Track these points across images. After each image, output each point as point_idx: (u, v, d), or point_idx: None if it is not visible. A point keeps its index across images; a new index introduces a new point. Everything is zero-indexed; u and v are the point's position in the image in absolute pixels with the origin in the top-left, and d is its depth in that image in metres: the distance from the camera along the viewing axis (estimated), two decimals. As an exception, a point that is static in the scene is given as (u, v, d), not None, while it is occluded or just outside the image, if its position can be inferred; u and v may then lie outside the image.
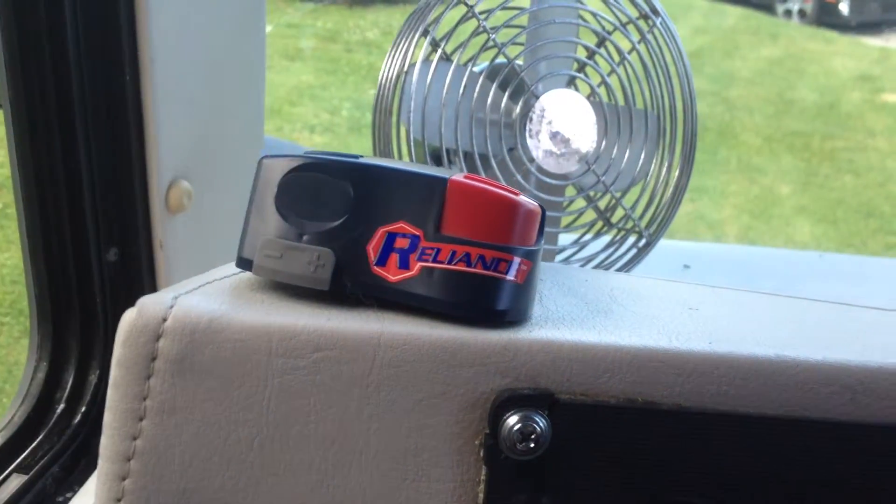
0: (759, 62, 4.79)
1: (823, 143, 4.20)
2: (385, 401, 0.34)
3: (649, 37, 0.69)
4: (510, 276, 0.35)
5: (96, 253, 0.66)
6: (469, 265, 0.34)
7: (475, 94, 0.65)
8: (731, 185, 3.84)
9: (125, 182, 0.65)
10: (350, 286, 0.35)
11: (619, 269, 0.73)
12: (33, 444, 0.67)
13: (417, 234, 0.34)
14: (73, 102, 0.61)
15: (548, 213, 0.69)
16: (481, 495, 0.35)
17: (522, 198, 0.35)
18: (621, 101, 0.70)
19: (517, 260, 0.35)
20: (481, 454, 0.35)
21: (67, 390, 0.69)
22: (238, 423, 0.34)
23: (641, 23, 0.70)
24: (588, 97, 0.69)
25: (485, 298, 0.35)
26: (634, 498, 0.35)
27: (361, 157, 0.37)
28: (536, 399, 0.34)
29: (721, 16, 5.31)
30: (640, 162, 0.71)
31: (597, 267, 0.73)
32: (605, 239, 0.74)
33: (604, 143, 0.69)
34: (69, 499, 0.66)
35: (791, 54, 4.90)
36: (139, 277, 0.67)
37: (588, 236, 0.74)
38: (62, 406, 0.70)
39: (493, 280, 0.34)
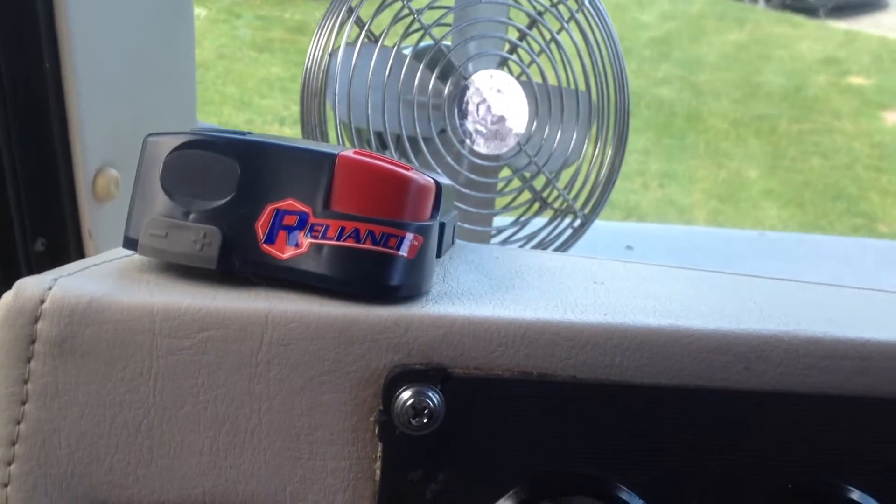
0: (726, 47, 4.81)
1: (790, 127, 4.23)
2: (275, 380, 0.34)
3: (578, 16, 0.69)
4: (401, 252, 0.34)
5: (23, 243, 0.65)
6: (358, 241, 0.34)
7: (402, 76, 0.64)
8: (699, 170, 3.86)
9: (50, 171, 0.64)
10: (238, 265, 0.34)
11: (557, 249, 0.73)
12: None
13: (306, 210, 0.34)
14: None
15: (481, 195, 0.69)
16: (378, 472, 0.35)
17: (414, 172, 0.35)
18: (553, 82, 0.70)
19: (409, 235, 0.34)
20: (376, 431, 0.35)
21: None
22: (124, 405, 0.33)
23: (570, 3, 0.69)
24: (518, 77, 0.69)
25: (375, 274, 0.34)
26: (532, 470, 0.35)
27: (251, 133, 0.36)
28: (429, 374, 0.34)
29: (687, 1, 5.32)
30: (573, 142, 0.71)
31: (535, 247, 0.73)
32: (543, 219, 0.74)
33: (535, 123, 0.69)
34: None
35: (757, 39, 4.92)
36: (68, 267, 0.67)
37: (526, 217, 0.74)
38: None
39: (383, 256, 0.34)
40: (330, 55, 0.63)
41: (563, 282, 0.41)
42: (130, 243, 0.35)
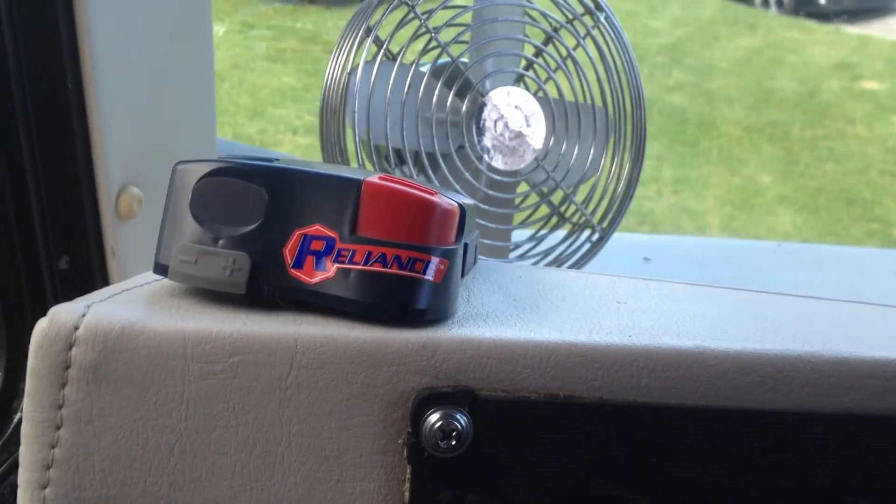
0: (738, 52, 4.80)
1: (803, 132, 4.22)
2: (305, 403, 0.34)
3: (594, 32, 0.70)
4: (427, 276, 0.35)
5: (47, 261, 0.66)
6: (385, 265, 0.34)
7: (420, 93, 0.65)
8: (712, 176, 3.85)
9: (74, 190, 0.65)
10: (267, 290, 0.35)
11: (575, 264, 0.73)
12: (-10, 455, 0.67)
13: (333, 236, 0.35)
14: (15, 112, 0.60)
15: (499, 211, 0.69)
16: (407, 494, 0.35)
17: (439, 197, 0.35)
18: (569, 98, 0.71)
19: (434, 259, 0.35)
20: (405, 453, 0.35)
21: (24, 399, 0.69)
22: (157, 430, 0.34)
23: (586, 19, 0.70)
24: (536, 94, 0.70)
25: (402, 298, 0.35)
26: (559, 492, 0.36)
27: (278, 160, 0.37)
28: (457, 396, 0.34)
29: (699, 7, 5.32)
30: (591, 157, 0.71)
31: (553, 261, 0.73)
32: (561, 233, 0.75)
33: (553, 139, 0.70)
34: (27, 508, 0.66)
35: (769, 44, 4.91)
36: (92, 285, 0.67)
37: (544, 231, 0.74)
38: (19, 415, 0.69)
39: (409, 280, 0.35)
40: (349, 73, 0.64)
41: (586, 302, 0.41)
42: (161, 269, 0.36)
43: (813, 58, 4.85)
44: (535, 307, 0.40)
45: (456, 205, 0.36)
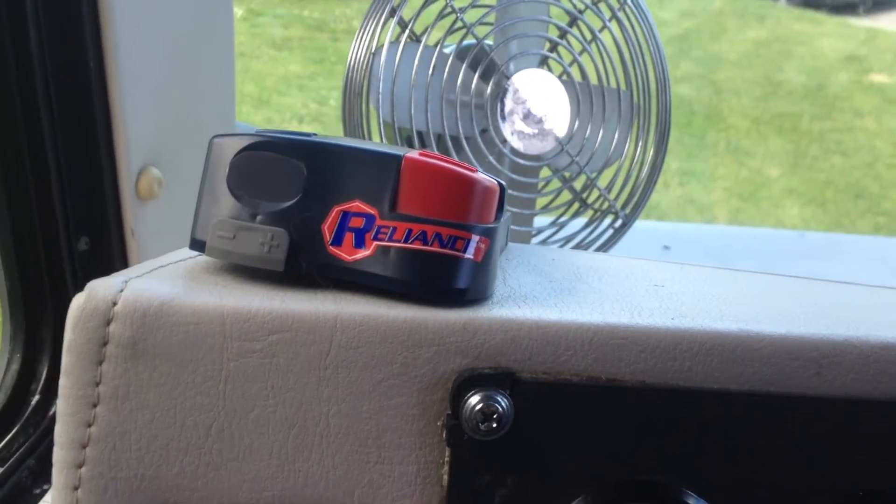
0: (746, 44, 4.78)
1: (811, 125, 4.20)
2: (344, 383, 0.34)
3: (620, 15, 0.69)
4: (468, 255, 0.34)
5: (67, 242, 0.65)
6: (425, 243, 0.34)
7: (445, 75, 0.64)
8: (719, 167, 3.84)
9: (94, 171, 0.64)
10: (305, 266, 0.34)
11: (597, 250, 0.73)
12: (8, 437, 0.67)
13: (373, 212, 0.34)
14: (37, 92, 0.60)
15: (522, 196, 0.68)
16: (445, 477, 0.35)
17: (479, 174, 0.35)
18: (594, 81, 0.70)
19: (475, 238, 0.34)
20: (444, 435, 0.34)
21: (42, 381, 0.69)
22: (194, 408, 0.33)
23: (613, 1, 0.69)
24: (560, 77, 0.69)
25: (442, 277, 0.34)
26: (600, 476, 0.35)
27: (315, 134, 0.36)
28: (498, 378, 0.34)
29: (708, -2, 5.30)
30: (615, 142, 0.71)
31: (575, 248, 0.73)
32: (583, 220, 0.74)
33: (577, 123, 0.69)
34: (46, 491, 0.65)
35: (778, 36, 4.89)
36: (111, 266, 0.67)
37: (565, 217, 0.73)
38: (37, 398, 0.69)
39: (450, 258, 0.34)
40: (373, 55, 0.63)
41: (623, 284, 0.40)
42: (197, 245, 0.35)
43: (821, 50, 4.83)
44: (573, 289, 0.39)
45: (496, 182, 0.36)
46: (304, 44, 4.39)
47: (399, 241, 0.34)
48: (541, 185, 0.73)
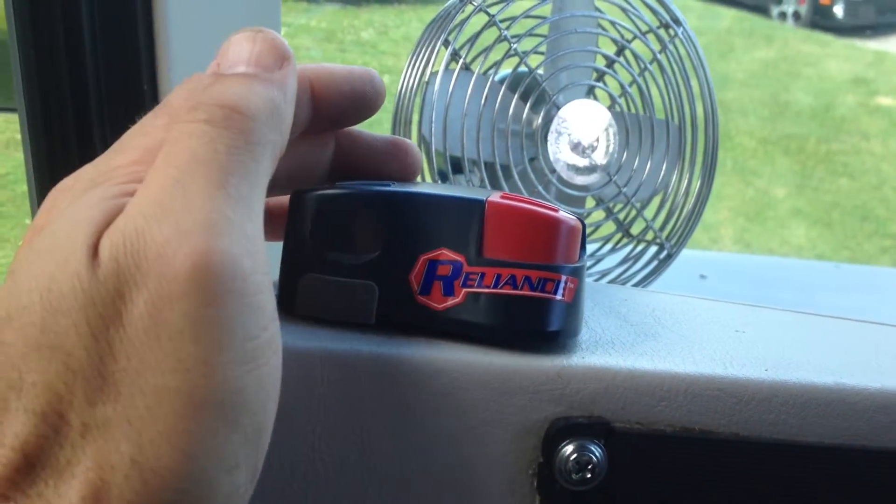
0: (754, 64, 4.80)
1: (818, 146, 4.21)
2: (435, 429, 0.33)
3: (671, 46, 0.68)
4: (559, 296, 0.34)
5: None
6: (515, 287, 0.33)
7: (497, 105, 0.64)
8: (726, 187, 3.85)
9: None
10: (396, 318, 0.34)
11: (639, 283, 0.72)
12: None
13: (459, 259, 0.34)
14: (91, 110, 0.59)
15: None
16: None
17: (563, 214, 0.34)
18: (642, 111, 0.70)
19: (564, 278, 0.34)
20: (535, 484, 0.34)
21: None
22: (283, 452, 0.33)
23: (662, 32, 0.69)
24: (609, 107, 0.68)
25: (535, 320, 0.34)
26: None
27: (392, 183, 0.36)
28: (593, 428, 0.33)
29: (715, 17, 5.31)
30: (662, 173, 0.70)
31: (614, 280, 0.72)
32: (623, 252, 0.73)
33: (625, 153, 0.69)
34: None
35: (785, 57, 4.91)
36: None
37: (604, 250, 0.73)
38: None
39: (541, 301, 0.33)
40: (427, 84, 0.63)
41: (704, 329, 0.40)
42: (286, 302, 0.35)
43: (829, 72, 4.85)
44: (655, 334, 0.39)
45: (578, 220, 0.35)
46: (312, 55, 4.39)
47: (489, 287, 0.33)
48: (585, 216, 0.72)
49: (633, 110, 0.70)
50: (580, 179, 0.68)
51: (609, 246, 0.73)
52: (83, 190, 0.26)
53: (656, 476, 0.34)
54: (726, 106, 4.52)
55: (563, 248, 0.34)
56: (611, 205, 0.71)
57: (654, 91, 0.70)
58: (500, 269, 0.33)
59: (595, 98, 0.70)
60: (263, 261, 0.25)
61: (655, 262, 0.71)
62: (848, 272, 0.91)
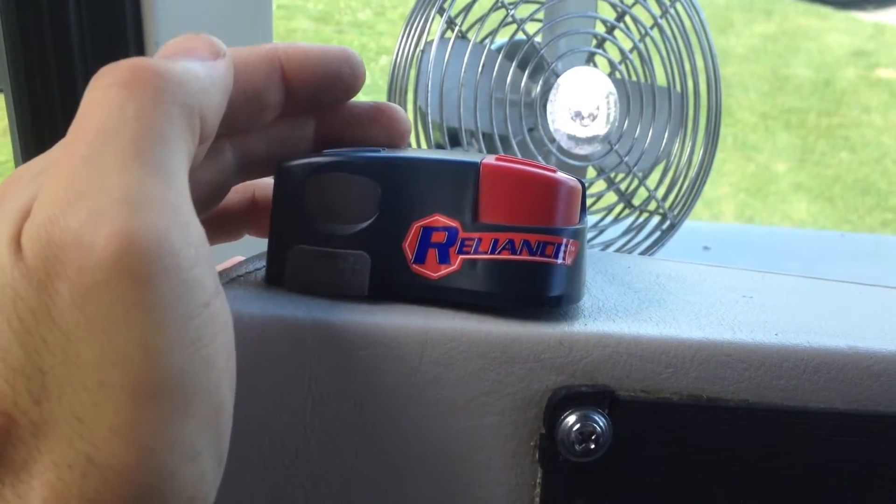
0: (754, 39, 4.76)
1: (819, 120, 4.18)
2: (433, 400, 0.32)
3: (672, 11, 0.67)
4: (560, 260, 0.32)
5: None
6: (514, 252, 0.32)
7: (494, 74, 0.62)
8: (727, 163, 3.82)
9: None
10: (390, 288, 0.33)
11: (642, 253, 0.71)
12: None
13: (454, 225, 0.32)
14: (77, 94, 0.58)
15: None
16: (537, 499, 0.33)
17: (562, 174, 0.33)
18: (644, 79, 0.68)
19: (564, 241, 0.32)
20: (536, 456, 0.33)
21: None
22: (276, 428, 0.32)
23: (664, -3, 0.67)
24: (609, 75, 0.67)
25: (536, 286, 0.32)
26: (698, 499, 0.33)
27: (382, 149, 0.34)
28: (596, 397, 0.32)
29: (714, -8, 5.28)
30: (664, 141, 0.69)
31: (617, 251, 0.71)
32: (625, 223, 0.72)
33: (626, 122, 0.67)
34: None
35: (785, 31, 4.87)
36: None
37: (607, 220, 0.72)
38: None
39: (542, 265, 0.32)
40: (421, 52, 0.61)
41: (711, 295, 0.39)
42: (275, 277, 0.33)
43: (829, 45, 4.81)
44: (660, 300, 0.37)
45: (578, 181, 0.34)
46: (308, 36, 4.36)
47: (486, 253, 0.32)
48: (587, 186, 0.71)
49: (633, 77, 0.68)
50: (581, 149, 0.67)
51: (611, 217, 0.72)
52: (30, 179, 0.24)
53: (663, 445, 0.33)
54: (727, 81, 4.48)
55: (562, 209, 0.33)
56: (612, 175, 0.70)
57: (656, 58, 0.68)
58: (498, 234, 0.32)
59: (595, 65, 0.69)
60: (197, 232, 0.23)
61: (658, 233, 0.70)
62: (853, 241, 0.90)
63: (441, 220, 0.32)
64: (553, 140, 0.65)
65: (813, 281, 0.43)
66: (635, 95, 0.67)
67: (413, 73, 0.62)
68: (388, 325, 0.32)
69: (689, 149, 0.70)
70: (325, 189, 0.33)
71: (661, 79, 0.69)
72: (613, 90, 0.66)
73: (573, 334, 0.32)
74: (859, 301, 0.41)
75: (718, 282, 0.41)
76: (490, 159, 0.32)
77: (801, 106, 4.28)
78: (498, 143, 0.62)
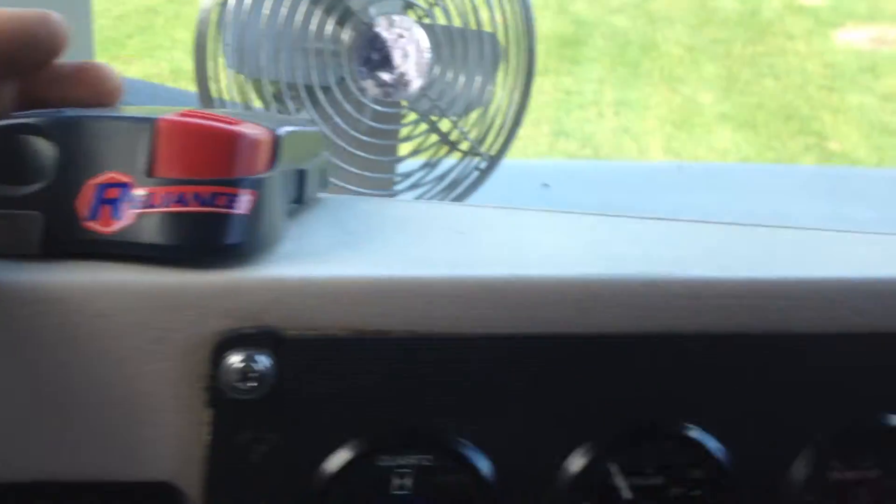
0: (681, -29, 4.77)
1: (744, 50, 4.22)
2: (99, 351, 0.33)
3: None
4: (235, 210, 0.34)
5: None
6: (184, 204, 0.33)
7: (298, 21, 0.63)
8: (653, 97, 3.86)
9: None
10: (62, 246, 0.34)
11: (467, 190, 0.73)
12: None
13: (127, 181, 0.33)
14: None
15: (385, 143, 0.69)
16: (209, 438, 0.35)
17: (243, 126, 0.34)
18: (456, 23, 0.70)
19: (240, 191, 0.34)
20: (205, 398, 0.35)
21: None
22: None
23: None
24: (420, 20, 0.69)
25: (206, 236, 0.34)
26: (367, 429, 0.36)
27: (67, 109, 0.35)
28: (259, 337, 0.34)
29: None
30: (478, 85, 0.71)
31: (446, 188, 0.73)
32: (454, 160, 0.74)
33: (438, 68, 0.69)
34: None
35: (712, -39, 4.89)
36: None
37: (434, 158, 0.74)
38: None
39: (213, 216, 0.33)
40: (222, 3, 0.62)
41: (423, 234, 0.41)
42: None
43: (755, -25, 4.83)
44: (366, 242, 0.39)
45: (265, 132, 0.35)
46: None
47: (157, 206, 0.33)
48: (409, 129, 0.73)
49: (447, 22, 0.70)
50: (394, 96, 0.68)
51: (426, 169, 0.74)
52: None
53: (330, 379, 0.35)
54: (654, 16, 4.50)
55: (241, 160, 0.34)
56: (433, 117, 0.72)
57: (468, 3, 0.70)
58: (170, 188, 0.33)
59: (407, 11, 0.70)
60: None
61: (477, 172, 0.73)
62: (690, 171, 0.93)
63: (115, 176, 0.33)
64: (363, 89, 0.67)
65: (554, 214, 0.45)
66: (447, 41, 0.69)
67: (213, 31, 0.63)
68: (53, 283, 0.33)
69: (504, 90, 0.72)
70: (1, 151, 0.34)
71: (474, 23, 0.71)
72: (425, 36, 0.68)
73: (240, 280, 0.34)
74: (588, 229, 0.43)
75: (445, 221, 0.44)
76: (170, 115, 0.34)
77: (727, 37, 4.31)
78: (303, 95, 0.64)
